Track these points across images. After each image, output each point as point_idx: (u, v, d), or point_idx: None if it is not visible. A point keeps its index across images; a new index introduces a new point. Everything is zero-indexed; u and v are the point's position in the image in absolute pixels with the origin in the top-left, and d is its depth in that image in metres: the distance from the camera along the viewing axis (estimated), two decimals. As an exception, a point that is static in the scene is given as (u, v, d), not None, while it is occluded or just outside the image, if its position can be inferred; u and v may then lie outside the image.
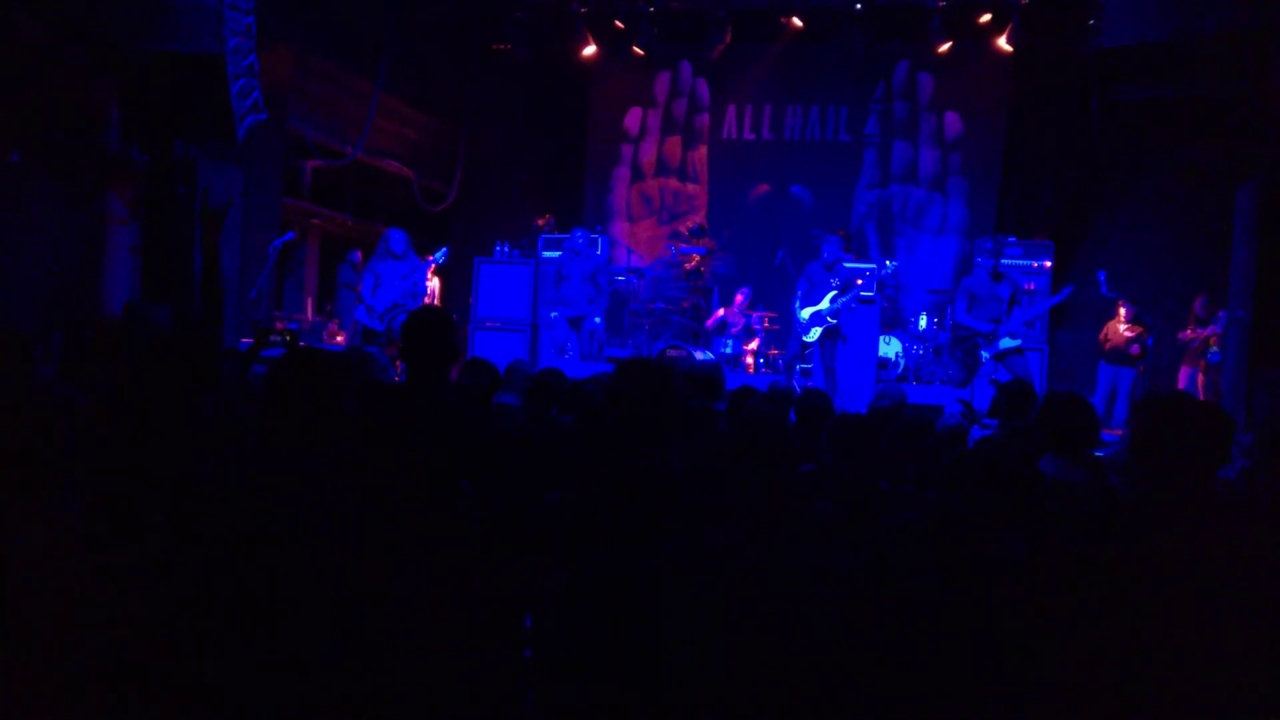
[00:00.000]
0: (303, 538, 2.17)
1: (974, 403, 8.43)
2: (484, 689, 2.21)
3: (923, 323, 11.15)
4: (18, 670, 2.04)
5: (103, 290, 7.27)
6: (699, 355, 10.18)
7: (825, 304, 9.01)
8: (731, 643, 2.17)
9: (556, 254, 11.83)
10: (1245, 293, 6.58)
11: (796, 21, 12.23)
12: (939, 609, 2.24)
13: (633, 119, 13.76)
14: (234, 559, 2.13)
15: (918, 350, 11.01)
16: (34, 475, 2.36)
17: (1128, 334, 9.96)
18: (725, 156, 13.48)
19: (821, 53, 12.73)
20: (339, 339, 10.93)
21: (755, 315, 11.64)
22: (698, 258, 12.29)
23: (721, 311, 11.90)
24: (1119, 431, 8.34)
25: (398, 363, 8.66)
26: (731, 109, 13.44)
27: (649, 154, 13.76)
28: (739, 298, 11.82)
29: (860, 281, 9.61)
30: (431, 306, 3.38)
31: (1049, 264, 10.86)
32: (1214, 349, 9.43)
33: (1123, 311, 10.04)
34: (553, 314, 10.09)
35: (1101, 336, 10.21)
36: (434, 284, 11.45)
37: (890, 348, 10.81)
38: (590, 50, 12.76)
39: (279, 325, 9.80)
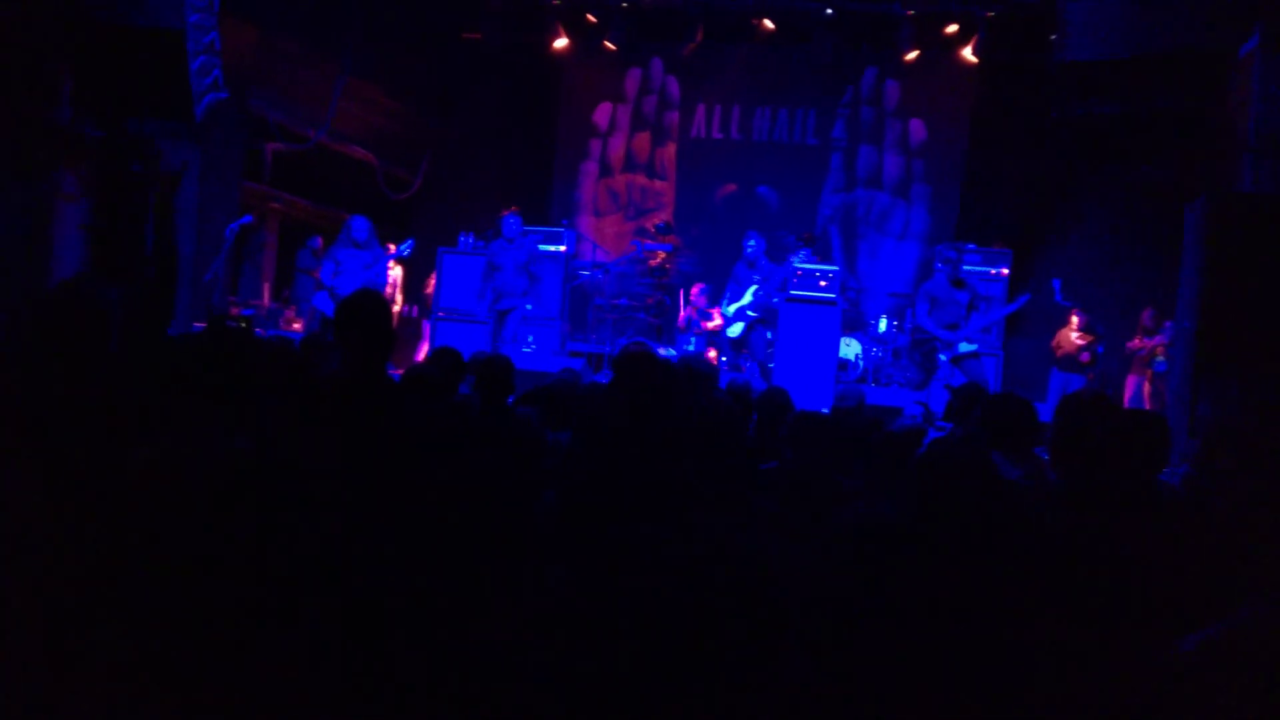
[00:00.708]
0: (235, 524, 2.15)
1: (931, 405, 8.54)
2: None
3: (883, 325, 11.25)
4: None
5: (51, 269, 7.15)
6: (662, 352, 10.20)
7: (747, 297, 9.09)
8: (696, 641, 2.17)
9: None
10: (1192, 304, 6.69)
11: (768, 23, 12.29)
12: (894, 604, 2.26)
13: (602, 114, 13.76)
14: (168, 546, 2.10)
15: (877, 352, 11.10)
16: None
17: (1079, 342, 10.11)
18: (693, 155, 13.51)
19: (792, 56, 12.80)
20: (296, 326, 10.83)
21: (716, 311, 11.66)
22: (663, 255, 12.30)
23: (684, 312, 11.92)
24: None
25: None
26: (701, 108, 13.48)
27: (618, 149, 13.76)
28: (695, 292, 11.83)
29: (800, 273, 9.60)
30: (367, 289, 3.29)
31: (1006, 271, 11.00)
32: (1160, 359, 9.60)
33: (1075, 320, 10.20)
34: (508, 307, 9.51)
35: (1054, 344, 10.35)
36: (396, 273, 11.36)
37: (850, 349, 10.89)
38: (562, 43, 12.74)
39: (234, 311, 9.70)
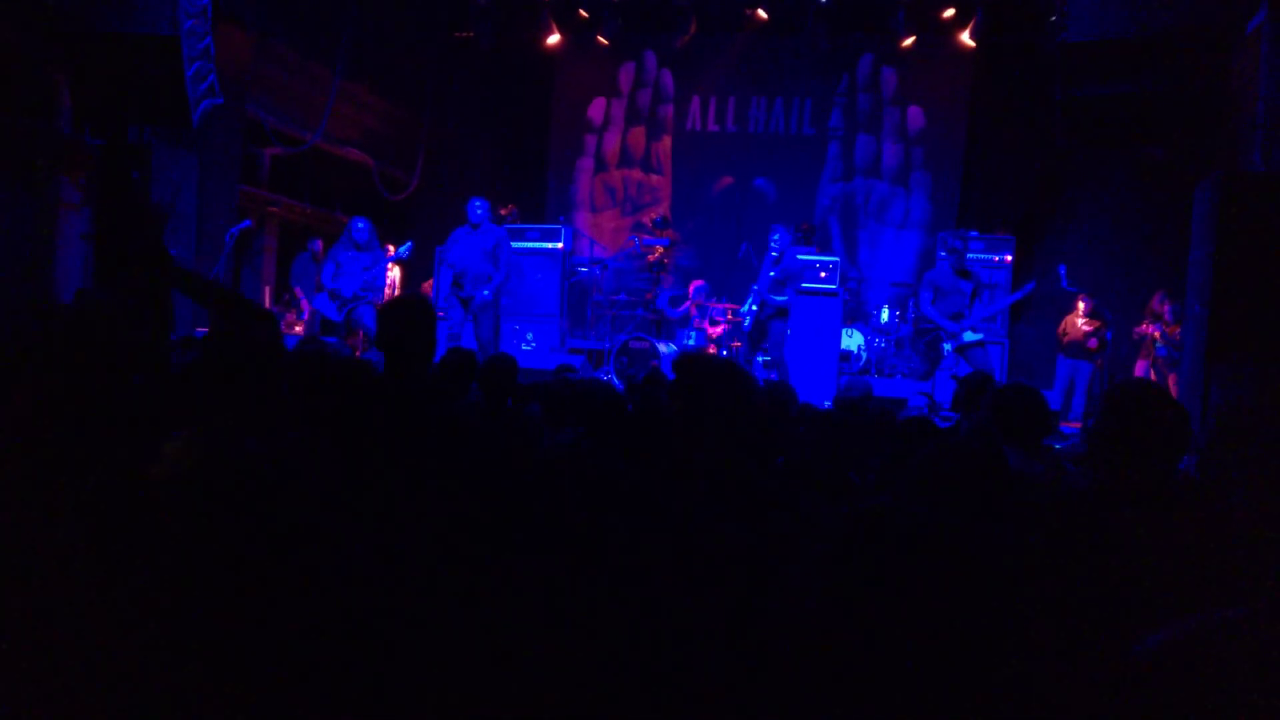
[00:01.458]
0: (272, 528, 2.10)
1: (935, 396, 8.50)
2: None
3: (885, 316, 11.21)
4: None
5: (55, 278, 7.08)
6: (662, 348, 10.15)
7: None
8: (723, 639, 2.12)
9: (519, 245, 11.75)
10: (1202, 287, 6.64)
11: (761, 13, 12.22)
12: (909, 602, 2.21)
13: (596, 109, 13.69)
14: (197, 551, 2.05)
15: (879, 343, 11.05)
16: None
17: (1086, 328, 10.05)
18: (689, 148, 13.45)
19: (786, 45, 12.74)
20: (297, 329, 10.76)
21: (716, 306, 11.61)
22: (661, 249, 12.26)
23: (684, 306, 11.87)
24: (1078, 424, 8.42)
25: (357, 353, 8.57)
26: (696, 100, 13.41)
27: (613, 144, 13.70)
28: (693, 289, 11.79)
29: (824, 275, 9.60)
30: (411, 295, 3.25)
31: (1010, 258, 10.95)
32: (1160, 344, 9.57)
33: (1081, 306, 10.14)
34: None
35: (1060, 330, 10.29)
36: (394, 274, 11.29)
37: (853, 341, 10.84)
38: (554, 39, 12.67)
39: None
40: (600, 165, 13.76)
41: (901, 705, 2.11)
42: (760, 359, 9.98)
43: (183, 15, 7.16)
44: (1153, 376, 9.79)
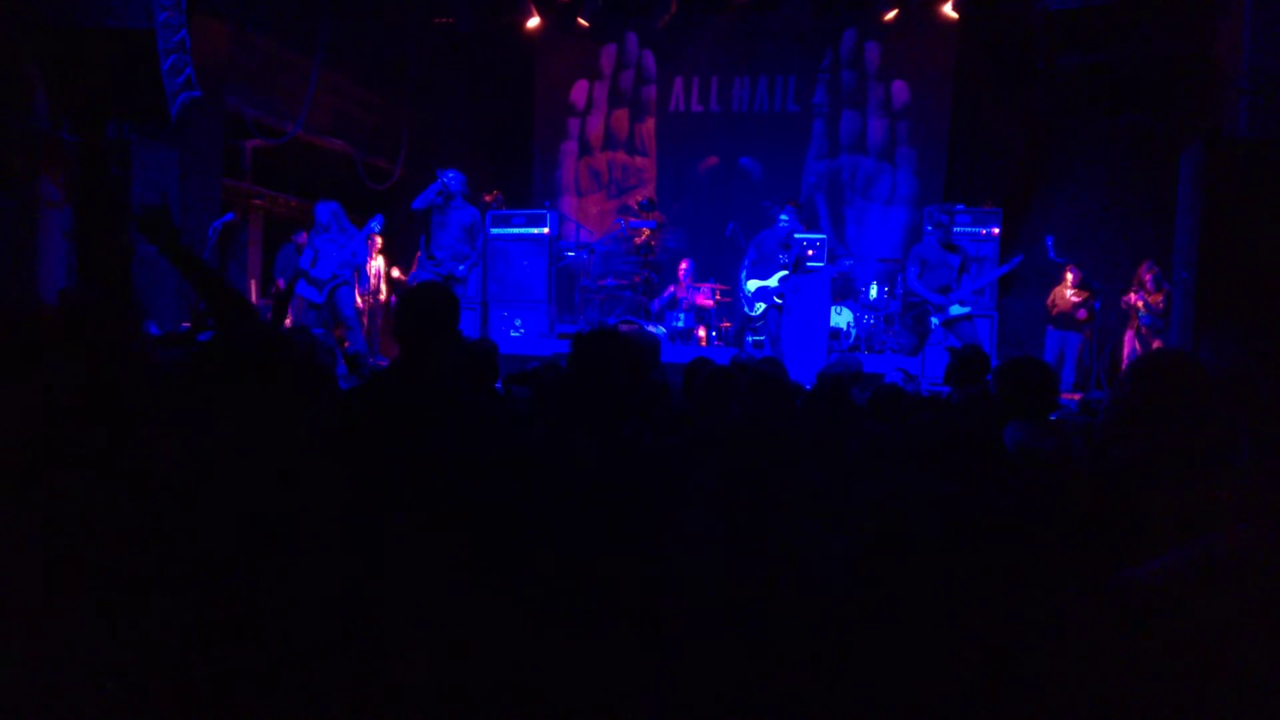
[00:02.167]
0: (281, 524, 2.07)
1: (925, 370, 8.51)
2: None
3: (873, 292, 11.19)
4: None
5: (36, 277, 7.02)
6: (650, 330, 10.13)
7: (773, 282, 8.95)
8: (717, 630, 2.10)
9: (505, 231, 11.71)
10: (1189, 254, 6.65)
11: (742, -9, 12.16)
12: (922, 587, 2.16)
13: (579, 92, 13.61)
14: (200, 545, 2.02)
15: (869, 320, 11.05)
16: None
17: (1074, 299, 10.06)
18: (673, 129, 13.39)
19: (768, 22, 12.67)
20: (285, 321, 10.72)
21: (705, 287, 11.60)
22: (648, 231, 12.23)
23: (672, 288, 11.86)
24: (1075, 396, 8.44)
25: (345, 344, 8.53)
26: (679, 81, 13.34)
27: (596, 127, 13.63)
28: (682, 269, 11.77)
29: (811, 252, 9.58)
30: (430, 284, 3.13)
31: (997, 231, 10.94)
32: (1143, 312, 9.59)
33: (1069, 276, 10.14)
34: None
35: (1049, 302, 10.30)
36: (378, 263, 11.23)
37: (842, 318, 10.83)
38: (534, 22, 12.59)
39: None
40: (584, 148, 13.70)
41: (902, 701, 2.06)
42: (750, 339, 9.97)
43: (157, 8, 7.07)
44: (1137, 345, 9.82)
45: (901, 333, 10.95)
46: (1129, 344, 9.89)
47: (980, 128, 12.06)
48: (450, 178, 8.56)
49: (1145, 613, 1.65)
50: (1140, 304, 9.67)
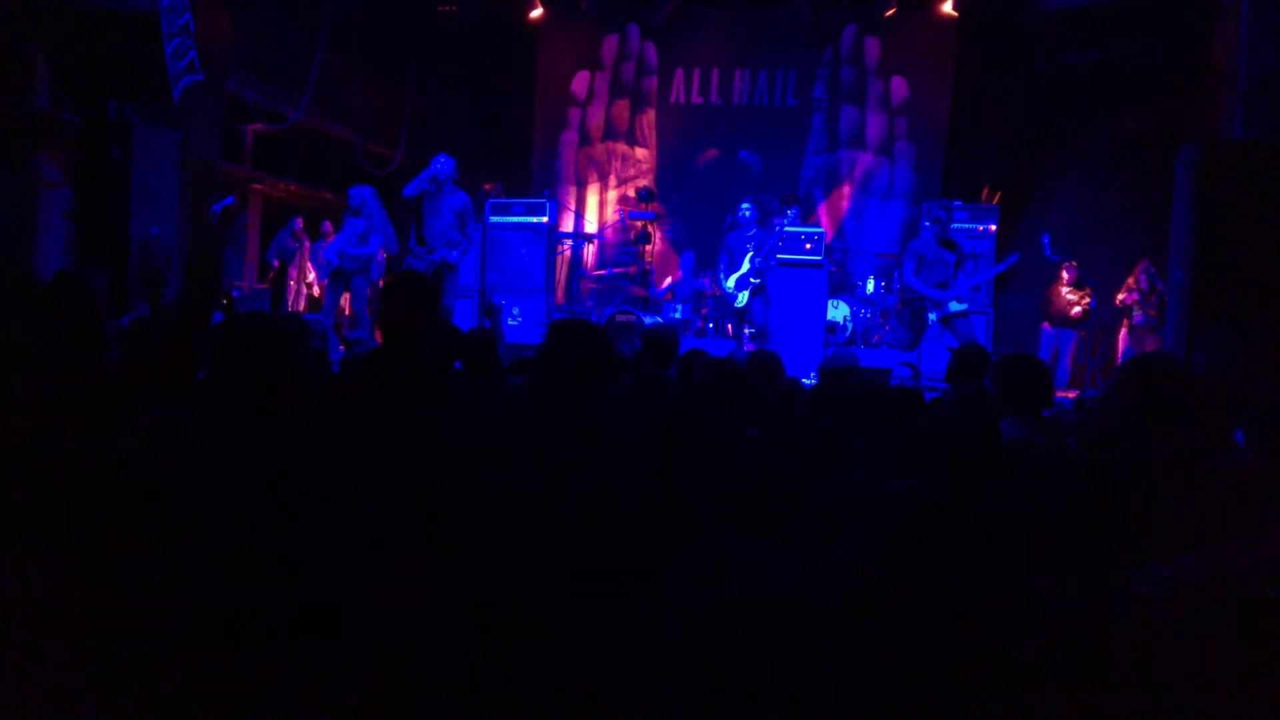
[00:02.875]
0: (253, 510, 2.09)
1: (921, 366, 8.53)
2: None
3: (870, 286, 11.22)
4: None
5: (35, 256, 7.03)
6: (649, 320, 10.15)
7: (746, 265, 9.07)
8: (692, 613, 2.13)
9: (504, 219, 11.71)
10: (1185, 254, 6.68)
11: (744, -16, 12.17)
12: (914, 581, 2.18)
13: (580, 82, 13.61)
14: (168, 535, 2.03)
15: (865, 314, 11.07)
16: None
17: (1070, 297, 10.09)
18: (674, 121, 13.40)
19: (769, 17, 12.70)
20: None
21: (703, 278, 11.62)
22: (646, 222, 12.24)
23: (670, 279, 11.88)
24: (1070, 393, 8.47)
25: (343, 329, 8.55)
26: (680, 73, 13.35)
27: (597, 118, 13.64)
28: (680, 260, 11.79)
29: (810, 246, 9.58)
30: (408, 273, 3.23)
31: (994, 227, 10.96)
32: (1136, 312, 9.64)
33: (1065, 275, 10.17)
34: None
35: (1045, 300, 10.34)
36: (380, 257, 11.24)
37: (838, 312, 10.86)
38: (537, 12, 12.61)
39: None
40: (584, 139, 13.70)
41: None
42: (746, 331, 10.01)
43: (161, -10, 7.08)
44: (1131, 344, 9.87)
45: (898, 328, 10.97)
46: (1123, 343, 9.93)
47: (979, 125, 12.08)
48: (441, 163, 8.46)
49: (1153, 627, 1.68)
50: (1134, 303, 9.72)
